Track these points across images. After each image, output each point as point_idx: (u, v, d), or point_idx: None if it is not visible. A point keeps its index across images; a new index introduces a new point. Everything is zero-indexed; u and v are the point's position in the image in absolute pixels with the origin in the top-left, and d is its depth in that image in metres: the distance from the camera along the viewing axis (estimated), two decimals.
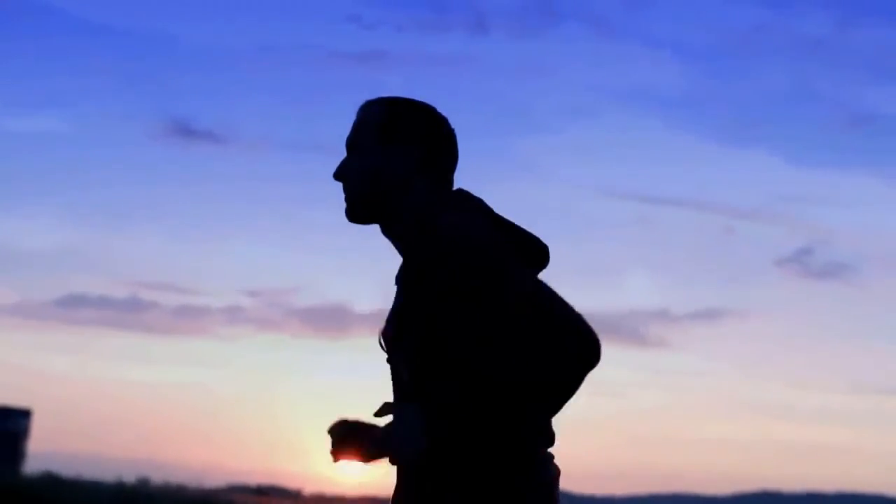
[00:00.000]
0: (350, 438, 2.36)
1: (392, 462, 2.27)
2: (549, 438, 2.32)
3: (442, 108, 2.50)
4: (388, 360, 2.41)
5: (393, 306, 2.41)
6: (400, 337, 2.33)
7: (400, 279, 2.39)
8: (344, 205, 2.45)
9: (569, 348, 2.13)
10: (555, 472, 2.32)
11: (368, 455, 2.34)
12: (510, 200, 2.44)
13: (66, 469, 23.95)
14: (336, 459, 2.37)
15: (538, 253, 2.35)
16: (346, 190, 2.45)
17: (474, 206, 2.37)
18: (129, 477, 23.81)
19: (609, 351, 2.28)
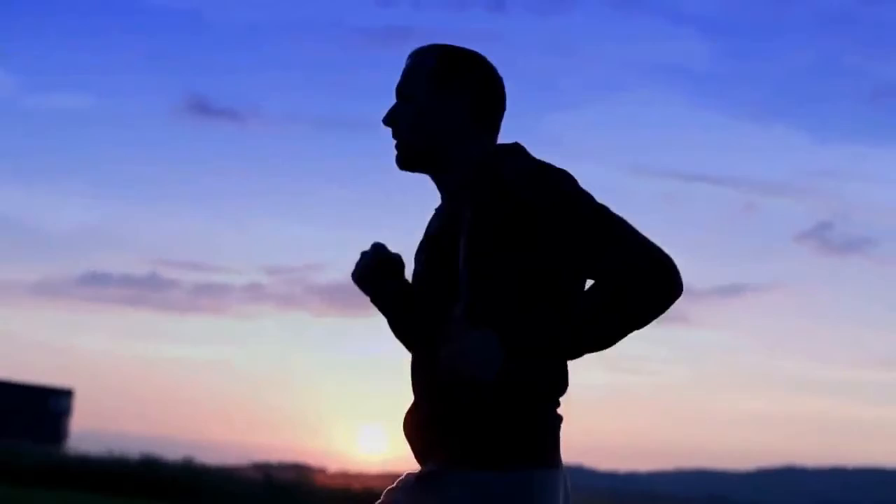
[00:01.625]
0: (384, 269, 2.48)
1: (446, 376, 2.24)
2: (565, 386, 2.36)
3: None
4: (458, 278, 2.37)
5: (439, 236, 2.42)
6: (446, 271, 2.34)
7: (445, 221, 2.41)
8: (394, 151, 2.46)
9: (667, 278, 2.21)
10: (559, 421, 2.36)
11: (388, 301, 2.48)
12: None
13: (98, 447, 23.99)
14: (361, 282, 2.50)
15: None
16: (397, 137, 2.46)
17: (533, 157, 2.39)
18: (155, 453, 23.83)
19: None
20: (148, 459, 21.95)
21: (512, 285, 2.28)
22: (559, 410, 2.35)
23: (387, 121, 2.47)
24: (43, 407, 36.73)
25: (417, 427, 2.38)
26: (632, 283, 2.20)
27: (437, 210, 2.52)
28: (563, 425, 2.37)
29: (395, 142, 2.46)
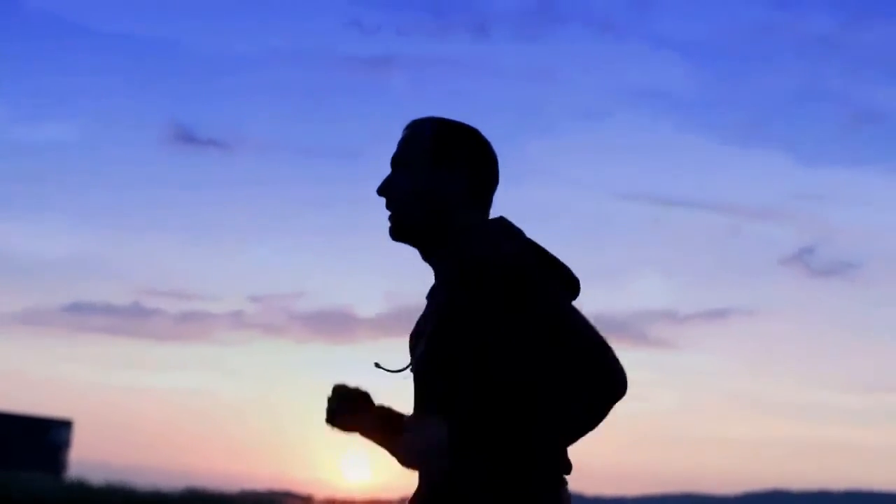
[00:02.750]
0: (350, 407, 2.38)
1: (406, 466, 2.29)
2: (567, 466, 2.31)
3: (449, 113, 2.51)
4: (414, 372, 2.40)
5: (425, 322, 2.40)
6: (434, 352, 2.31)
7: (434, 297, 2.39)
8: (388, 223, 2.43)
9: (604, 385, 2.17)
10: (567, 499, 2.33)
11: (369, 431, 2.39)
12: (518, 203, 2.47)
13: (98, 477, 24.43)
14: (333, 425, 2.39)
15: (572, 283, 2.35)
16: (391, 208, 2.42)
17: (516, 234, 2.36)
18: (143, 484, 24.25)
19: (617, 351, 2.28)
20: (153, 491, 22.49)
21: (463, 374, 2.25)
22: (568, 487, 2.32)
23: (381, 191, 2.43)
24: (42, 438, 36.54)
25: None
26: (580, 394, 2.18)
27: (430, 289, 2.47)
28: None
29: (388, 213, 2.42)
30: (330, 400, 2.40)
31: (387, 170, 2.46)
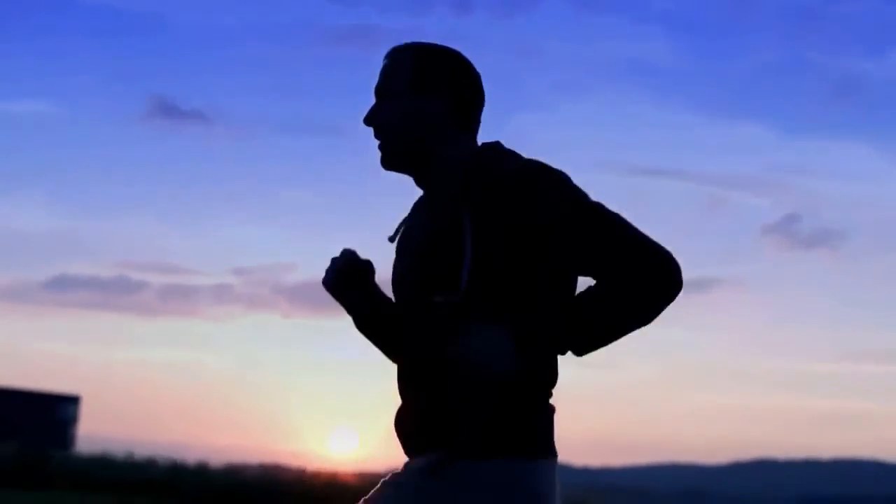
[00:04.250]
0: (356, 274, 2.44)
1: (478, 377, 2.23)
2: (557, 375, 2.35)
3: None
4: (403, 289, 2.43)
5: (422, 231, 2.41)
6: (439, 266, 2.31)
7: (431, 217, 2.39)
8: (377, 152, 2.43)
9: (668, 276, 2.24)
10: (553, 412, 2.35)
11: (365, 306, 2.47)
12: None
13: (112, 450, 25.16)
14: (332, 287, 2.46)
15: None
16: (379, 137, 2.43)
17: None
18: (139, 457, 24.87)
19: None
20: (171, 464, 22.91)
21: (518, 283, 2.27)
22: (551, 401, 2.35)
23: (367, 121, 2.43)
24: (50, 414, 37.14)
25: (413, 424, 2.35)
26: (636, 282, 2.22)
27: (417, 205, 2.51)
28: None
29: (377, 142, 2.43)
30: (335, 260, 2.46)
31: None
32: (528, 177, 2.28)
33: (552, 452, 2.32)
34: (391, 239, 2.49)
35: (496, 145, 2.42)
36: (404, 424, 2.38)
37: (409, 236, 2.46)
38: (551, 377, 2.33)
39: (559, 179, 2.29)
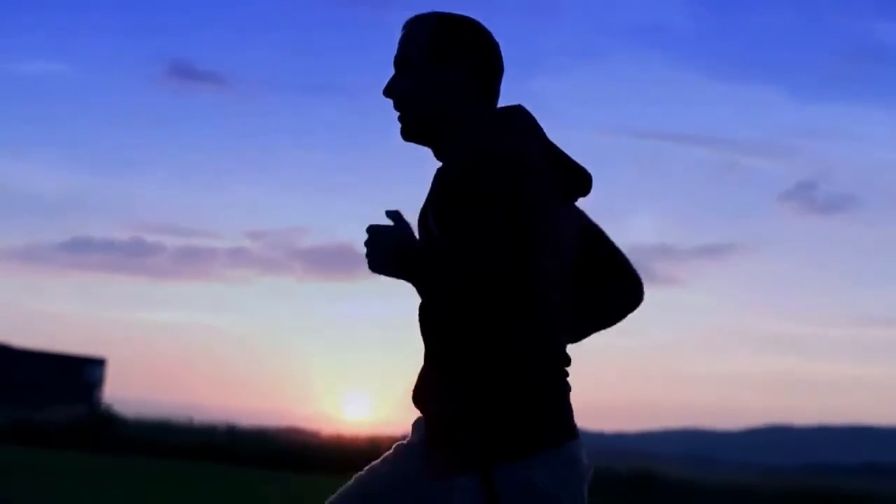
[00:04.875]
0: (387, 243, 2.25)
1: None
2: (567, 359, 2.34)
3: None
4: None
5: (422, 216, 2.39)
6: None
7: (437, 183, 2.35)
8: (398, 124, 2.42)
9: (640, 294, 2.48)
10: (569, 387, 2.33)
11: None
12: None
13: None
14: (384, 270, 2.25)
15: (582, 181, 2.39)
16: (399, 109, 2.41)
17: (525, 125, 2.36)
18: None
19: None
20: (228, 429, 23.20)
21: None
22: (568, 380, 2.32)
23: (387, 93, 2.41)
24: (76, 376, 37.35)
25: (425, 394, 2.35)
26: (621, 295, 2.50)
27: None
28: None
29: (397, 114, 2.41)
30: (378, 235, 2.27)
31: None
32: (469, 155, 2.24)
33: (575, 433, 2.29)
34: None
35: (505, 113, 2.38)
36: (419, 394, 2.37)
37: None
38: (560, 359, 2.31)
39: (492, 168, 2.20)
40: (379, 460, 2.43)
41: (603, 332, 2.54)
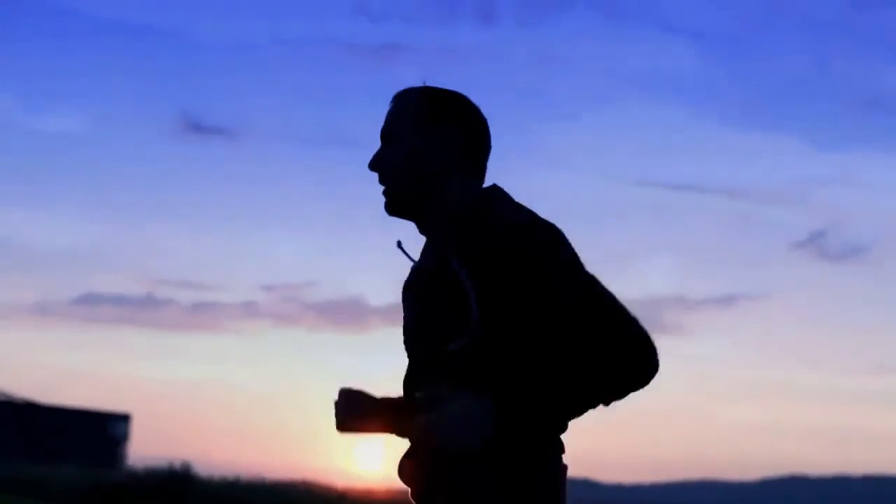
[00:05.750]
0: (360, 410, 2.28)
1: (443, 448, 2.17)
2: (561, 444, 2.27)
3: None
4: (410, 345, 2.35)
5: (420, 280, 2.33)
6: (440, 320, 2.24)
7: (431, 264, 2.30)
8: (382, 199, 2.36)
9: (639, 359, 2.16)
10: (565, 470, 2.27)
11: (386, 429, 2.28)
12: (526, 189, 2.39)
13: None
14: (343, 430, 2.29)
15: None
16: (384, 181, 2.35)
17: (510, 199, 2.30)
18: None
19: None
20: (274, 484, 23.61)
21: (507, 343, 2.18)
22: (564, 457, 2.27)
23: (373, 165, 2.35)
24: (101, 432, 37.31)
25: (412, 477, 2.29)
26: (618, 363, 2.14)
27: (423, 251, 2.39)
28: (567, 440, 2.28)
29: (382, 188, 2.35)
30: (337, 404, 2.31)
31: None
32: (522, 230, 2.19)
33: None
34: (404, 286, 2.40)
35: (494, 190, 2.33)
36: (404, 474, 2.33)
37: (412, 281, 2.38)
38: (554, 438, 2.24)
39: (554, 241, 2.19)
40: None
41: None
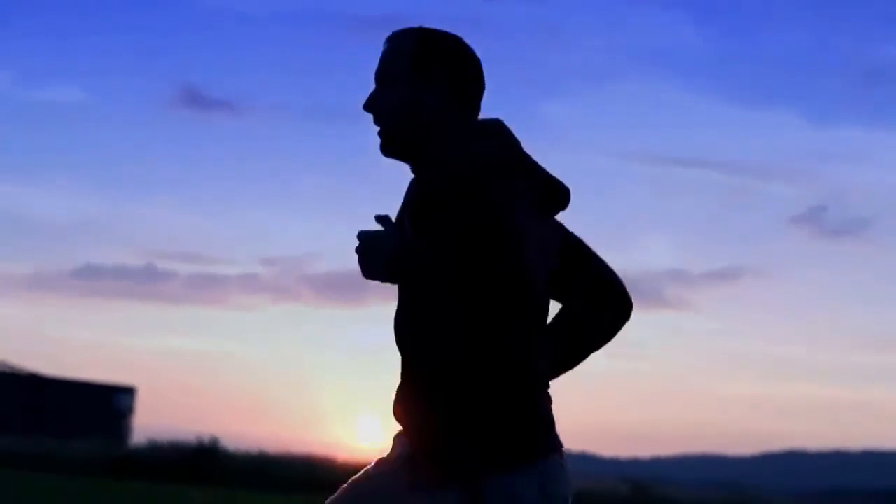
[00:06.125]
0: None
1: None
2: (546, 384, 2.31)
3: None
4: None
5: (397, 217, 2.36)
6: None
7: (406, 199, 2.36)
8: (378, 139, 2.38)
9: (628, 304, 2.35)
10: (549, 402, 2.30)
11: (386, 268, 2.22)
12: None
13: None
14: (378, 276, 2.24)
15: (558, 195, 2.32)
16: (379, 123, 2.37)
17: (501, 135, 2.32)
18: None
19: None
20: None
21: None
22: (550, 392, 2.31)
23: (367, 107, 2.38)
24: (106, 405, 37.38)
25: (406, 408, 2.32)
26: (606, 311, 2.38)
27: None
28: (566, 414, 2.26)
29: (377, 128, 2.38)
30: (372, 239, 2.27)
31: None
32: (440, 172, 2.27)
33: (557, 448, 2.29)
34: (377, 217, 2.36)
35: (477, 125, 2.35)
36: (397, 409, 2.35)
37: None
38: (534, 372, 2.27)
39: (473, 178, 2.21)
40: (361, 474, 2.37)
41: (603, 352, 2.46)
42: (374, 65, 2.40)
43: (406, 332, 2.31)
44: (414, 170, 2.38)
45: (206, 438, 23.63)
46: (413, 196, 2.31)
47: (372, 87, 2.41)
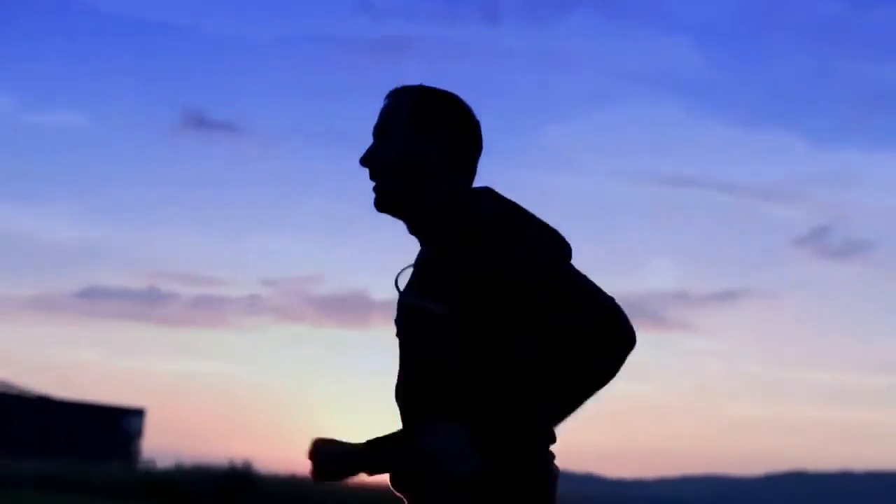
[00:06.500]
0: (332, 460, 2.31)
1: (431, 480, 2.18)
2: (553, 436, 2.24)
3: (463, 98, 2.43)
4: (401, 346, 2.34)
5: (408, 292, 2.32)
6: (419, 325, 2.25)
7: (420, 267, 2.31)
8: (372, 194, 2.36)
9: (615, 342, 2.11)
10: (556, 473, 2.25)
11: (362, 471, 2.30)
12: (531, 188, 2.60)
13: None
14: (317, 480, 2.32)
15: (569, 254, 2.25)
16: (375, 178, 2.34)
17: (501, 202, 2.27)
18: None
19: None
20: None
21: (477, 342, 2.17)
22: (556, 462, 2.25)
23: (364, 161, 2.35)
24: (114, 427, 37.29)
25: (415, 479, 2.26)
26: (605, 348, 2.12)
27: (417, 256, 2.38)
28: (570, 435, 2.24)
29: (373, 184, 2.35)
30: (311, 456, 2.33)
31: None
32: (493, 220, 2.19)
33: None
34: (396, 286, 2.39)
35: (482, 190, 2.32)
36: (403, 480, 2.32)
37: (398, 317, 2.38)
38: (546, 440, 2.22)
39: (526, 226, 2.19)
40: None
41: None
42: (377, 87, 2.38)
43: (410, 396, 2.30)
44: (411, 229, 2.36)
45: (238, 463, 23.75)
46: (450, 275, 2.22)
47: (373, 117, 2.42)
